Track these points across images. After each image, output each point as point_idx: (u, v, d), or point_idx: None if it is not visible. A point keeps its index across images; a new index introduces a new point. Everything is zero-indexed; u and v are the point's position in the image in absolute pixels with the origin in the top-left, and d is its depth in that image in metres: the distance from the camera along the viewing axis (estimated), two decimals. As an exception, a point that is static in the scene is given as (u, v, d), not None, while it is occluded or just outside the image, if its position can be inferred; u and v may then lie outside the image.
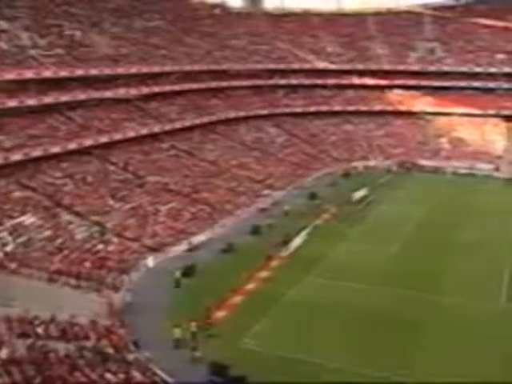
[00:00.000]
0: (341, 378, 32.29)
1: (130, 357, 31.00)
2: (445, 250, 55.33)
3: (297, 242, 56.21)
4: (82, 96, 69.61)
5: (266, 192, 73.95)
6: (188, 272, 47.24)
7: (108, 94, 73.55)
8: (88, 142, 65.72)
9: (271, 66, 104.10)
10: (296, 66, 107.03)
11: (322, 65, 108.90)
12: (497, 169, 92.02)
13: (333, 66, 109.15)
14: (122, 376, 27.41)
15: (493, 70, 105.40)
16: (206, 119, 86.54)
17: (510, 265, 51.39)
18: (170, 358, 33.20)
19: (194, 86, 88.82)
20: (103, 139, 67.71)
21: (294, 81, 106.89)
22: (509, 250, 55.38)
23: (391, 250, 54.81)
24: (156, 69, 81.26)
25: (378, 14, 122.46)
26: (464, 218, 66.41)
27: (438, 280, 47.56)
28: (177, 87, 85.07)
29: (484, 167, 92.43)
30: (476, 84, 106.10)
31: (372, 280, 47.17)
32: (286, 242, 54.83)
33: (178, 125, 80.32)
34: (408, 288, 45.81)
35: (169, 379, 29.60)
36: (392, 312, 41.53)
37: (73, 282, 42.61)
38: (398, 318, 40.44)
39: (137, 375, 27.98)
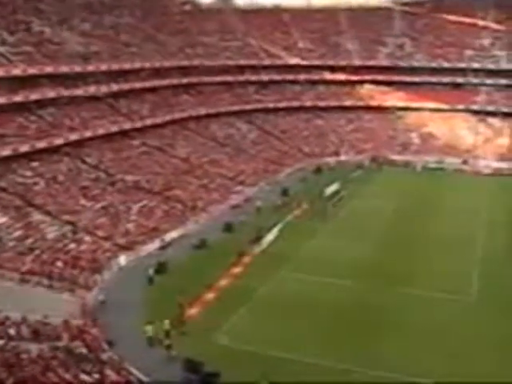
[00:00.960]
0: (314, 372, 32.71)
1: (104, 356, 31.03)
2: (416, 244, 56.09)
3: (269, 237, 56.50)
4: (51, 94, 68.82)
5: (237, 188, 74.06)
6: (161, 269, 47.39)
7: (78, 91, 72.87)
8: (58, 141, 65.08)
9: (242, 62, 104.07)
10: (267, 61, 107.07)
11: (293, 60, 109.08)
12: (465, 162, 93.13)
13: (304, 62, 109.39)
14: (96, 376, 27.44)
15: (462, 65, 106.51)
16: (177, 116, 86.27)
17: (479, 258, 52.22)
18: (144, 356, 33.35)
19: (165, 82, 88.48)
20: (74, 137, 67.13)
21: (265, 77, 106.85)
22: (478, 243, 56.27)
23: (363, 245, 55.28)
24: (126, 66, 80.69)
25: (348, 9, 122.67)
26: (434, 212, 67.18)
27: (409, 274, 48.20)
28: (147, 84, 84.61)
29: (453, 161, 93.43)
30: (445, 79, 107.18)
31: (344, 274, 47.67)
32: (258, 238, 55.06)
33: (149, 122, 79.97)
34: (379, 282, 46.37)
35: (143, 377, 29.69)
36: (364, 306, 42.07)
37: (45, 282, 42.50)
38: (370, 312, 40.97)
39: (111, 374, 28.02)
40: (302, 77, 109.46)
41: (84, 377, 27.15)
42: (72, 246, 49.74)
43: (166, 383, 30.85)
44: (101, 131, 71.16)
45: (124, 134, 75.76)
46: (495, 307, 42.19)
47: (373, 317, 40.32)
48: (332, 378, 32.05)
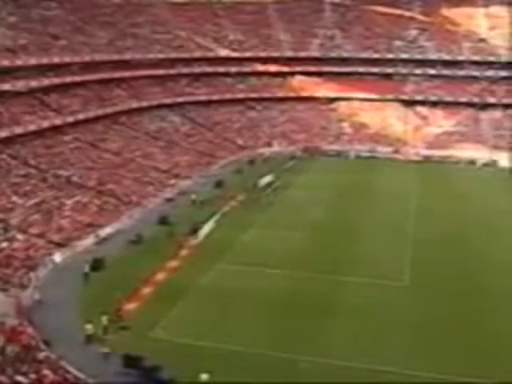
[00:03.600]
0: (254, 363, 33.04)
1: (41, 356, 30.61)
2: (350, 232, 57.16)
3: (205, 230, 56.64)
4: (-21, 89, 67.41)
5: (172, 181, 73.86)
6: (97, 265, 46.84)
7: (6, 86, 71.16)
8: (-13, 138, 63.80)
9: (173, 54, 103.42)
10: (198, 54, 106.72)
11: (224, 53, 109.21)
12: (396, 150, 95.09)
13: (235, 54, 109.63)
14: (33, 376, 27.08)
15: (390, 56, 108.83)
16: (109, 110, 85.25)
17: (411, 244, 53.55)
18: (83, 354, 33.03)
19: (96, 76, 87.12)
20: (3, 133, 65.65)
21: (196, 69, 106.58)
22: (409, 229, 57.70)
23: (298, 234, 55.99)
24: (56, 60, 79.19)
25: (279, 1, 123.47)
26: (367, 200, 68.58)
27: (344, 261, 49.15)
28: (78, 78, 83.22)
29: (385, 150, 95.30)
30: (375, 70, 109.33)
31: (281, 264, 48.13)
32: (194, 231, 55.13)
33: (80, 116, 78.74)
34: (316, 271, 47.07)
35: (82, 376, 29.47)
36: (302, 295, 42.64)
37: (-23, 282, 41.67)
38: (309, 301, 41.55)
39: (48, 374, 27.70)
40: (233, 69, 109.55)
41: (20, 378, 26.73)
42: (4, 244, 48.57)
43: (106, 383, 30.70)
44: (31, 127, 69.80)
45: (55, 129, 74.41)
46: (426, 292, 43.38)
47: (311, 305, 40.90)
48: (278, 368, 32.49)
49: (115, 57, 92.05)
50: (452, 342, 35.89)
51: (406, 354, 34.16)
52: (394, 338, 36.49)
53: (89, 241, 53.15)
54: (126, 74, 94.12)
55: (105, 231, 55.55)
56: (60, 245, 50.84)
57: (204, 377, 29.95)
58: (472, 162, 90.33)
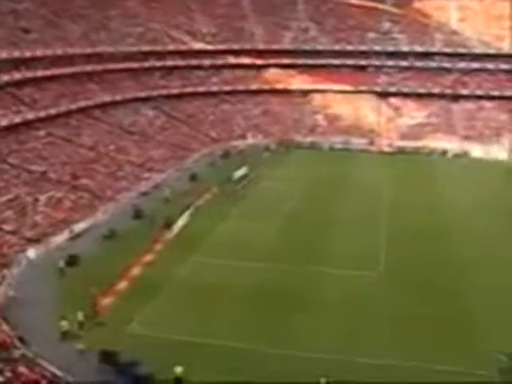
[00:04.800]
0: (230, 356, 33.27)
1: (17, 353, 30.55)
2: (325, 224, 57.59)
3: (180, 223, 56.78)
4: None
5: (146, 175, 73.71)
6: (72, 261, 46.76)
7: (-23, 81, 70.77)
8: (-42, 133, 63.16)
9: (146, 48, 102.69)
10: (172, 47, 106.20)
11: (197, 45, 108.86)
12: (370, 142, 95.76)
13: (208, 47, 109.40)
14: (8, 374, 27.01)
15: (364, 48, 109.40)
16: (82, 104, 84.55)
17: (386, 235, 54.08)
18: (59, 351, 33.02)
19: (69, 70, 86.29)
20: (-25, 129, 65.26)
21: (170, 62, 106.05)
22: (385, 221, 58.24)
23: (273, 227, 56.33)
24: (28, 53, 78.45)
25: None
26: (341, 192, 69.19)
27: (319, 253, 49.60)
28: (50, 72, 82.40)
29: (359, 141, 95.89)
30: (349, 62, 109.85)
31: (256, 256, 48.48)
32: (169, 225, 55.21)
33: (53, 111, 78.01)
34: (292, 262, 47.53)
35: (58, 373, 29.46)
36: (278, 287, 42.98)
37: (-50, 280, 41.41)
38: (285, 293, 41.87)
39: (24, 371, 27.65)
40: (207, 62, 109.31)
41: (-5, 376, 26.74)
42: (-23, 241, 48.52)
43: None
44: (3, 122, 69.09)
45: (28, 124, 73.74)
46: (401, 282, 44.04)
47: (287, 297, 41.21)
48: (251, 361, 32.78)
49: (88, 50, 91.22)
50: (426, 332, 36.45)
51: (381, 345, 34.62)
52: (370, 328, 36.97)
53: (63, 236, 52.94)
54: (99, 67, 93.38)
55: (79, 226, 55.36)
56: (34, 241, 50.59)
57: (179, 370, 30.10)
58: (444, 153, 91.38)
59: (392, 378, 31.26)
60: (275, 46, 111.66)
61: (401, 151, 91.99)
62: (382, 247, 51.20)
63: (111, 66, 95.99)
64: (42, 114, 76.10)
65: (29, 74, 78.31)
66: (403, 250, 50.59)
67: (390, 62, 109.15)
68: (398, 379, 31.13)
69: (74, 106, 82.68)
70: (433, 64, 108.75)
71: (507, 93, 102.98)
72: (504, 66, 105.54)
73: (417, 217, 59.97)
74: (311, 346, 34.37)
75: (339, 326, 37.38)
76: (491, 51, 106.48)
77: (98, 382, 30.43)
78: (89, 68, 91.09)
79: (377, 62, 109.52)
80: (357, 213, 61.34)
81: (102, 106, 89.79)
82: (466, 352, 33.93)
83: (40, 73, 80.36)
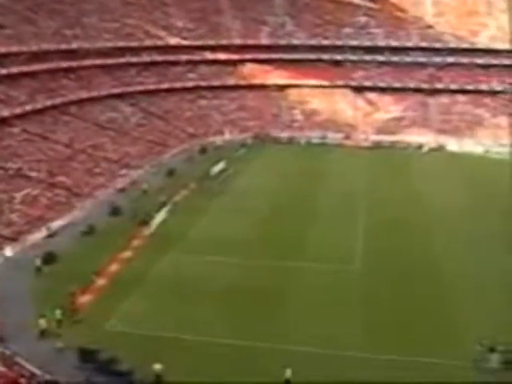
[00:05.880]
0: (210, 351, 33.42)
1: (-5, 352, 30.46)
2: (302, 218, 57.91)
3: (158, 219, 56.77)
4: None
5: (123, 172, 73.46)
6: (49, 259, 46.54)
7: (-49, 77, 70.01)
8: None
9: (122, 43, 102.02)
10: (148, 42, 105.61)
11: (174, 41, 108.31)
12: (347, 136, 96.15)
13: (185, 42, 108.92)
14: (-13, 373, 26.96)
15: (340, 43, 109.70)
16: (57, 101, 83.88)
17: (362, 229, 54.56)
18: (37, 349, 32.91)
19: (44, 66, 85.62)
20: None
21: (146, 58, 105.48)
22: (361, 215, 58.67)
23: (251, 222, 56.51)
24: (2, 49, 77.65)
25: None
26: (318, 186, 69.51)
27: (297, 248, 49.90)
28: (25, 68, 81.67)
29: (335, 136, 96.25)
30: (325, 57, 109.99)
31: (234, 252, 48.77)
32: (147, 221, 55.20)
33: (28, 108, 77.45)
34: (269, 257, 47.83)
35: (37, 371, 29.34)
36: (256, 282, 43.27)
37: None
38: (262, 288, 42.10)
39: (3, 370, 27.54)
40: (183, 57, 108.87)
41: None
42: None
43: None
44: (-22, 119, 68.66)
45: (3, 121, 73.11)
46: (377, 275, 44.58)
47: (264, 292, 41.45)
48: (234, 355, 33.04)
49: (63, 46, 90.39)
50: (402, 324, 36.91)
51: (358, 338, 34.97)
52: (346, 322, 37.26)
53: (40, 234, 52.69)
54: (75, 63, 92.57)
55: (56, 224, 55.11)
56: (10, 239, 50.30)
57: (158, 367, 30.13)
58: (420, 147, 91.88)
59: (365, 370, 31.71)
60: (252, 41, 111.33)
61: (377, 145, 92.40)
62: (359, 241, 51.71)
63: (87, 62, 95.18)
64: (18, 110, 75.42)
65: (3, 71, 77.46)
66: (379, 243, 51.19)
67: (367, 57, 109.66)
68: (371, 372, 31.55)
69: (49, 103, 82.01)
70: (408, 59, 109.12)
71: (481, 87, 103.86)
72: (478, 61, 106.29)
73: (393, 210, 60.47)
74: (289, 339, 34.64)
75: (315, 319, 37.64)
76: (466, 46, 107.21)
77: (77, 380, 30.32)
78: (64, 64, 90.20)
79: (353, 57, 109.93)
80: (334, 207, 61.79)
81: (78, 102, 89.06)
82: (442, 343, 34.51)
83: (15, 69, 79.54)
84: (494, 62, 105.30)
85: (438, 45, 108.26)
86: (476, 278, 44.01)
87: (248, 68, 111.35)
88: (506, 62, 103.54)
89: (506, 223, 54.05)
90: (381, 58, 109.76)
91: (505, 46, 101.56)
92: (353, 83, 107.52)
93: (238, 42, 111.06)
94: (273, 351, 33.48)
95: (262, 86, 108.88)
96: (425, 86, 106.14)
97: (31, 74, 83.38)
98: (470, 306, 39.51)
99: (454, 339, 34.83)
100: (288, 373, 29.94)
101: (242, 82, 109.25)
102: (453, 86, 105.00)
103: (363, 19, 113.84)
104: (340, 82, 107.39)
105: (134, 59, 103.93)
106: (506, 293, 40.96)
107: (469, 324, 36.78)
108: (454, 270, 45.34)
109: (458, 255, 48.47)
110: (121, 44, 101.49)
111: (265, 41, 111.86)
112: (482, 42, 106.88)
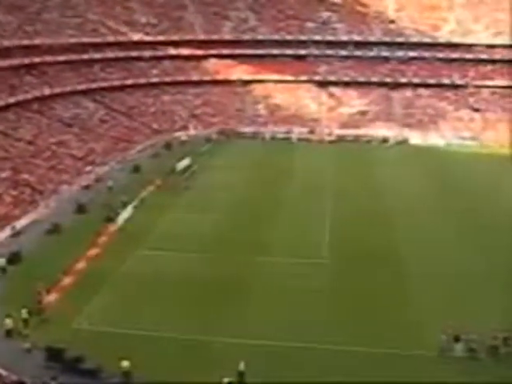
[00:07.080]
0: (177, 347, 33.60)
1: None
2: (268, 213, 58.39)
3: (124, 216, 56.65)
4: None
5: (88, 168, 73.07)
6: (14, 258, 46.06)
7: None
8: None
9: (85, 39, 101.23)
10: (111, 38, 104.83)
11: (136, 36, 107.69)
12: (311, 131, 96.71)
13: (148, 38, 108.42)
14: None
15: (303, 37, 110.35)
16: (20, 97, 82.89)
17: (329, 222, 55.17)
18: (3, 349, 32.77)
19: (5, 63, 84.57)
20: None
21: (109, 54, 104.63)
22: (327, 209, 59.31)
23: (217, 217, 56.81)
24: (-38, 46, 77.04)
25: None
26: (283, 181, 69.96)
27: (264, 242, 50.29)
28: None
29: (300, 130, 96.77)
30: (288, 51, 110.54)
31: (200, 247, 48.97)
32: (112, 218, 55.04)
33: (-10, 105, 76.86)
34: (235, 252, 48.10)
35: (2, 372, 29.20)
36: (221, 277, 43.41)
37: None
38: (227, 283, 42.33)
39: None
40: (146, 53, 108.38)
41: None
42: None
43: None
44: None
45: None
46: (345, 268, 45.25)
47: (230, 287, 41.72)
48: (193, 351, 33.21)
49: (25, 42, 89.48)
50: (367, 316, 37.45)
51: (322, 330, 35.44)
52: (310, 314, 37.73)
53: (5, 233, 52.04)
54: (37, 59, 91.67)
55: (21, 222, 54.53)
56: (-26, 239, 49.81)
57: (125, 364, 30.23)
58: (384, 141, 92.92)
59: (326, 362, 32.25)
60: (215, 37, 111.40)
61: (341, 139, 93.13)
62: (326, 233, 52.28)
63: (49, 58, 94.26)
64: (-21, 108, 74.64)
65: (-36, 68, 76.70)
66: (347, 236, 52.04)
67: (330, 52, 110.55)
68: (332, 363, 32.10)
69: (12, 100, 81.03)
70: (371, 53, 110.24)
71: (443, 81, 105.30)
72: (440, 55, 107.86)
73: (359, 203, 61.45)
74: (254, 333, 35.04)
75: (278, 313, 38.09)
76: (427, 40, 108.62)
77: (44, 379, 30.26)
78: (26, 60, 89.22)
79: (316, 52, 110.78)
80: (299, 201, 62.52)
81: (41, 99, 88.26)
82: (407, 334, 35.21)
83: (-25, 66, 78.71)
84: (455, 56, 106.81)
85: (400, 39, 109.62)
86: (437, 264, 45.45)
87: (211, 63, 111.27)
88: (467, 56, 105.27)
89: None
90: (344, 52, 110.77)
91: (465, 40, 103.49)
92: (317, 78, 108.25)
93: (201, 37, 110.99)
94: (231, 345, 33.79)
95: (226, 81, 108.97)
96: (388, 80, 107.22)
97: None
98: (434, 293, 40.44)
99: (418, 329, 35.56)
100: (241, 366, 30.23)
101: (206, 78, 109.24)
102: (415, 80, 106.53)
103: (326, 14, 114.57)
104: (304, 77, 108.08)
105: (98, 55, 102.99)
106: (468, 277, 42.39)
107: (433, 312, 37.55)
108: (418, 259, 46.61)
109: (421, 244, 49.89)
110: (84, 40, 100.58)
111: (228, 36, 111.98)
112: (444, 36, 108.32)
